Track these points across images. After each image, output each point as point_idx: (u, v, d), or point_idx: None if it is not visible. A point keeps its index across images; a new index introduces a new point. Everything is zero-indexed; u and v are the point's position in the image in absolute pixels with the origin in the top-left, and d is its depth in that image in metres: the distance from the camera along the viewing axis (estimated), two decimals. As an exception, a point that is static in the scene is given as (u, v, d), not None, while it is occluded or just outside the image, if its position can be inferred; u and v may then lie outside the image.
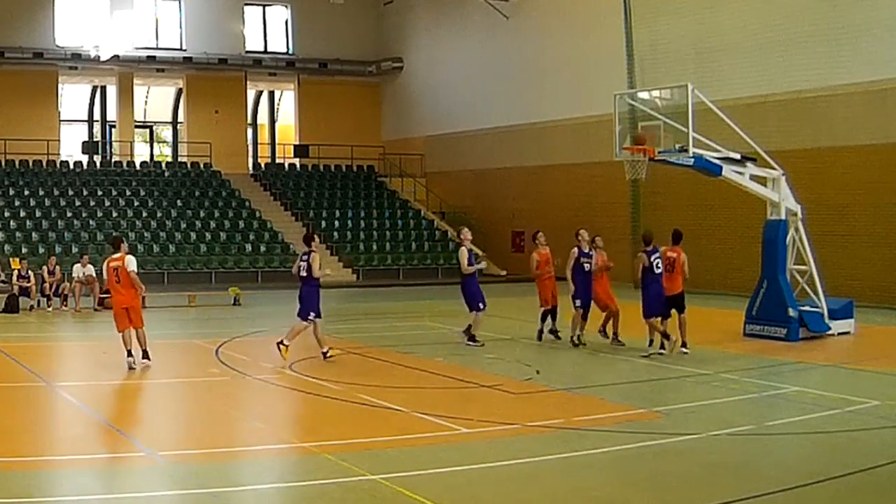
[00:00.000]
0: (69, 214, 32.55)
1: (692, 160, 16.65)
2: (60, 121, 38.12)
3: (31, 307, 23.18)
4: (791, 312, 17.03)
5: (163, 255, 31.52)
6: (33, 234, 31.00)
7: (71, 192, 34.15)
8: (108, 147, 39.85)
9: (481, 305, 16.48)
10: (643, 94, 20.41)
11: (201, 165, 38.40)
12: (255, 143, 43.94)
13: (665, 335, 15.15)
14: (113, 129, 40.01)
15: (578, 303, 16.20)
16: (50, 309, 23.21)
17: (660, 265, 15.30)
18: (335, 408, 11.67)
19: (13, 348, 16.57)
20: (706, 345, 15.46)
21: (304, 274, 14.97)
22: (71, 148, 38.73)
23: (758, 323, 17.44)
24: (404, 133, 40.88)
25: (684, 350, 15.30)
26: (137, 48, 36.87)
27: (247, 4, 40.19)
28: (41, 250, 29.37)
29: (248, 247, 33.17)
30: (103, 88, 40.05)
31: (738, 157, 17.46)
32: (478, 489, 8.26)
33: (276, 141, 44.15)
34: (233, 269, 31.63)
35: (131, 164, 37.79)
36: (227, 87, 39.44)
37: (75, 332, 20.66)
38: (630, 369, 14.53)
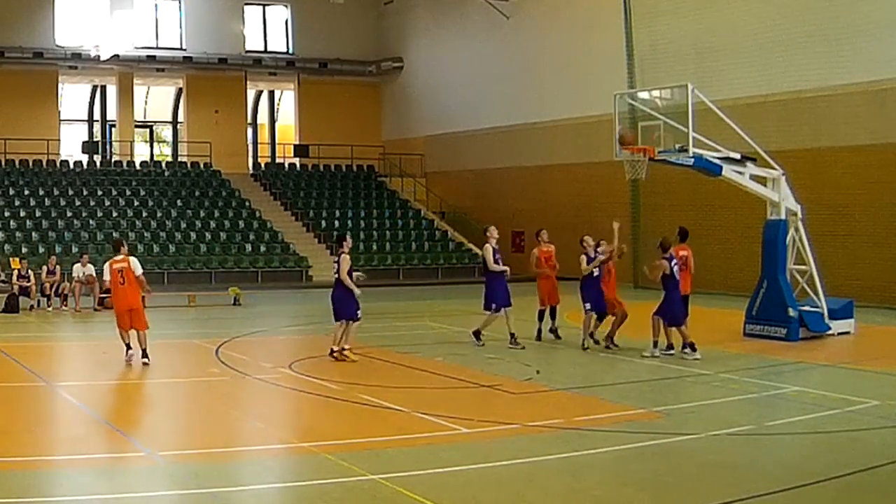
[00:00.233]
0: (69, 214, 32.54)
1: (692, 160, 16.65)
2: (60, 120, 38.13)
3: (31, 307, 23.16)
4: (791, 312, 17.03)
5: (163, 254, 31.51)
6: (33, 233, 30.99)
7: (71, 192, 34.15)
8: (108, 147, 39.85)
9: (493, 307, 16.34)
10: (643, 94, 20.42)
11: (201, 165, 38.39)
12: (255, 143, 43.91)
13: (689, 343, 14.98)
14: (113, 129, 40.01)
15: (588, 306, 15.93)
16: (50, 309, 23.19)
17: (677, 271, 15.27)
18: (335, 408, 11.67)
19: (13, 348, 16.57)
20: (706, 345, 15.43)
21: (334, 276, 15.14)
22: (71, 148, 38.75)
23: (758, 323, 17.44)
24: (404, 133, 40.86)
25: (684, 350, 15.25)
26: (137, 48, 36.87)
27: (247, 4, 40.17)
28: (41, 250, 29.37)
29: (248, 247, 33.15)
30: (103, 88, 40.05)
31: (738, 156, 17.45)
32: (477, 489, 8.26)
33: (276, 141, 44.13)
34: (233, 269, 31.61)
35: (131, 163, 37.79)
36: (227, 87, 39.44)
37: (75, 332, 20.65)
38: (630, 369, 14.51)
